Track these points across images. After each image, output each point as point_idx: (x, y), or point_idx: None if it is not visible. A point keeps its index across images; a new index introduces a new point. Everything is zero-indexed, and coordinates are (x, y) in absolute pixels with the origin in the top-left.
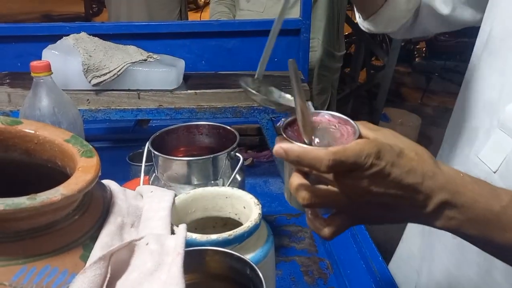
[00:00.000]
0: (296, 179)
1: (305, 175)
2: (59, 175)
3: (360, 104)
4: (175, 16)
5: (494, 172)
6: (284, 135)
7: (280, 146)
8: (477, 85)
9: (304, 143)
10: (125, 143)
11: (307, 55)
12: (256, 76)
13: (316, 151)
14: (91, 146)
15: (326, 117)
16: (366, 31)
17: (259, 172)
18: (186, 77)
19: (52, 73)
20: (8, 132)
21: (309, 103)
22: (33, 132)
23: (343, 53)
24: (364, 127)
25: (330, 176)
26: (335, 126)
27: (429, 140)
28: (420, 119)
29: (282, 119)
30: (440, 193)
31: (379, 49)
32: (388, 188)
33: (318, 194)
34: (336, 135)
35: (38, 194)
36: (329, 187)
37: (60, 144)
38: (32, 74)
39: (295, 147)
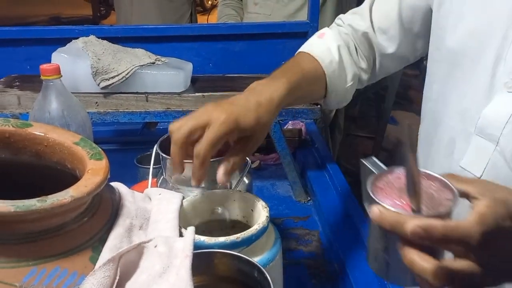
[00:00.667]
0: (422, 260)
1: (421, 247)
2: (68, 178)
3: (367, 106)
4: (186, 20)
5: (479, 178)
6: (394, 209)
7: (418, 225)
8: (445, 97)
9: (413, 211)
10: (133, 145)
11: None
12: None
13: (464, 226)
14: (100, 149)
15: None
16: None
17: (267, 175)
18: (193, 80)
19: (61, 76)
20: (18, 134)
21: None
22: (42, 134)
23: None
24: (455, 181)
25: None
26: (430, 186)
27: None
28: None
29: (369, 181)
30: None
31: None
32: None
33: (456, 270)
34: (435, 197)
35: (48, 196)
36: (462, 259)
37: (69, 146)
38: (42, 77)
39: (437, 224)
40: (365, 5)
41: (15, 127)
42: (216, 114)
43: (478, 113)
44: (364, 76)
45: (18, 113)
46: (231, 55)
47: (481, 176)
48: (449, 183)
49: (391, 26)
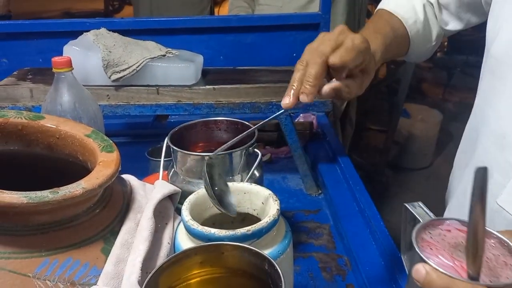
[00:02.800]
0: None
1: None
2: (80, 169)
3: (380, 100)
4: (206, 14)
5: None
6: (445, 271)
7: None
8: (483, 113)
9: (469, 276)
10: (144, 138)
11: None
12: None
13: None
14: (111, 141)
15: (460, 227)
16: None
17: (277, 168)
18: (204, 73)
19: (73, 68)
20: (31, 127)
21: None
22: (55, 127)
23: None
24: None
25: None
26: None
27: (450, 136)
28: (441, 115)
29: (415, 231)
30: None
31: None
32: None
33: None
34: (493, 261)
35: (61, 188)
36: None
37: (81, 139)
38: (54, 70)
39: None
40: None
41: (28, 120)
42: (352, 35)
43: None
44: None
45: (31, 106)
46: (242, 47)
47: None
48: (498, 234)
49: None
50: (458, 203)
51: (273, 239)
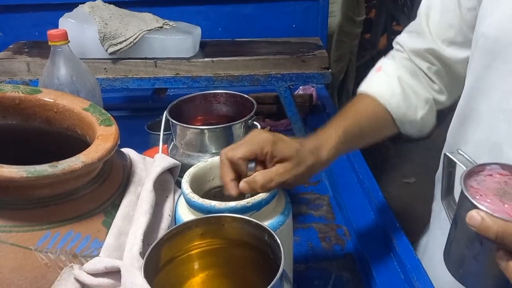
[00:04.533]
0: None
1: None
2: (79, 143)
3: None
4: None
5: None
6: (500, 216)
7: None
8: (483, 93)
9: None
10: (143, 112)
11: (326, 21)
12: None
13: None
14: (109, 115)
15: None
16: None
17: None
18: (202, 45)
19: (69, 41)
20: (28, 101)
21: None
22: (52, 101)
23: (363, 18)
24: None
25: None
26: None
27: (449, 107)
28: None
29: (462, 179)
30: None
31: (400, 13)
32: None
33: None
34: None
35: (60, 162)
36: None
37: (79, 112)
38: (50, 43)
39: None
40: (420, 20)
41: (25, 94)
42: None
43: None
44: (441, 98)
45: (28, 80)
46: (241, 18)
47: None
48: None
49: (458, 33)
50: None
51: (273, 210)
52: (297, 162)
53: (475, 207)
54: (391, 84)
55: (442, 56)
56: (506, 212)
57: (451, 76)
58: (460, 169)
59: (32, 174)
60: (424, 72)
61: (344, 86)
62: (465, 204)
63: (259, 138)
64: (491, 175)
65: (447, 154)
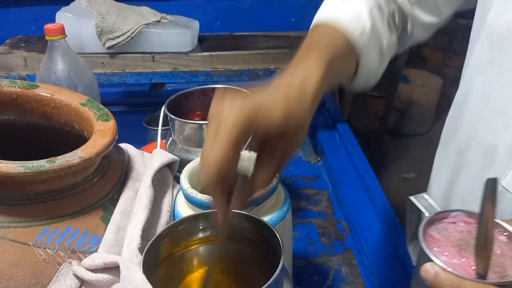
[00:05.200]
0: None
1: None
2: (77, 138)
3: None
4: None
5: None
6: (454, 271)
7: None
8: (486, 90)
9: (477, 274)
10: (141, 107)
11: None
12: None
13: None
14: (107, 110)
15: (467, 219)
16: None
17: None
18: (201, 39)
19: (66, 36)
20: (25, 96)
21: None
22: (49, 95)
23: None
24: None
25: None
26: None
27: (450, 102)
28: (441, 81)
29: (421, 227)
30: None
31: None
32: None
33: None
34: (497, 252)
35: (57, 157)
36: None
37: (76, 107)
38: (47, 37)
39: None
40: None
41: (22, 89)
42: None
43: None
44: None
45: (25, 75)
46: (239, 12)
47: None
48: (502, 224)
49: None
50: (447, 179)
51: (273, 206)
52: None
53: (431, 259)
54: (362, 17)
55: (409, 12)
56: (462, 267)
57: (410, 33)
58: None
59: (29, 170)
60: (391, 16)
61: None
62: (423, 255)
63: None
64: (454, 222)
65: (410, 198)
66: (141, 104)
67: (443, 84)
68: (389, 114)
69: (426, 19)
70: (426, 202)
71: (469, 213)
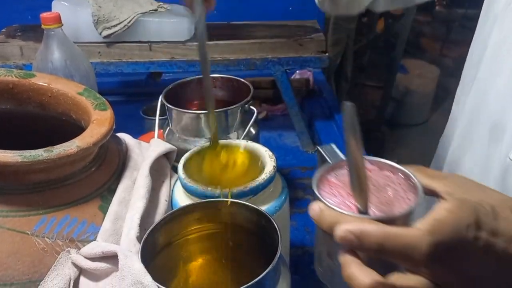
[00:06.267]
0: (361, 273)
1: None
2: (74, 128)
3: (377, 55)
4: None
5: None
6: (336, 208)
7: (349, 230)
8: (493, 67)
9: (360, 212)
10: (138, 97)
11: None
12: None
13: (407, 235)
14: (104, 99)
15: (368, 165)
16: (326, 11)
17: (274, 125)
18: None
19: (62, 24)
20: (22, 85)
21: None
22: (46, 85)
23: None
24: (424, 175)
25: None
26: (384, 177)
27: (447, 91)
28: (438, 70)
29: (318, 172)
30: None
31: None
32: (491, 265)
33: None
34: (389, 193)
35: (55, 146)
36: (409, 275)
37: (73, 97)
38: (43, 26)
39: (372, 231)
40: None
41: (18, 78)
42: None
43: None
44: None
45: (22, 64)
46: (237, 1)
47: None
48: (413, 178)
49: None
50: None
51: (270, 195)
52: None
53: (319, 199)
54: None
55: None
56: (349, 206)
57: None
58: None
59: (27, 159)
60: None
61: (342, 71)
62: (316, 198)
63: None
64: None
65: (318, 147)
66: (138, 94)
67: (440, 74)
68: (386, 104)
69: None
70: (333, 151)
71: (371, 161)
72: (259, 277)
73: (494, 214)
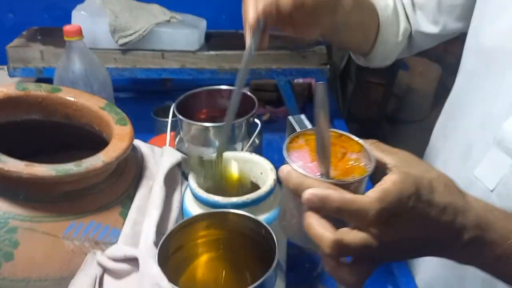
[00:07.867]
0: (319, 226)
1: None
2: (96, 137)
3: None
4: None
5: (491, 191)
6: (301, 170)
7: (313, 194)
8: (468, 96)
9: (322, 175)
10: (150, 95)
11: None
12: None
13: (361, 201)
14: (124, 114)
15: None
16: (361, 64)
17: (276, 127)
18: (207, 36)
19: (83, 37)
20: (50, 99)
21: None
22: (72, 99)
23: None
24: (378, 149)
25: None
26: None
27: (447, 90)
28: (440, 69)
29: (288, 139)
30: (471, 230)
31: None
32: (424, 229)
33: (348, 242)
34: (349, 162)
35: (83, 161)
36: (357, 231)
37: (96, 111)
38: (65, 38)
39: (333, 196)
40: None
41: (47, 92)
42: None
43: (500, 123)
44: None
45: (42, 67)
46: None
47: (493, 190)
48: (367, 150)
49: (430, 3)
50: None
51: (270, 205)
52: None
53: (288, 163)
54: None
55: (411, 17)
56: (312, 169)
57: (413, 39)
58: None
59: (60, 173)
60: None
61: (348, 72)
62: (285, 162)
63: None
64: None
65: (288, 118)
66: (150, 92)
67: (442, 72)
68: (388, 100)
69: (427, 28)
70: (301, 121)
71: (336, 133)
72: (260, 281)
73: (431, 188)
